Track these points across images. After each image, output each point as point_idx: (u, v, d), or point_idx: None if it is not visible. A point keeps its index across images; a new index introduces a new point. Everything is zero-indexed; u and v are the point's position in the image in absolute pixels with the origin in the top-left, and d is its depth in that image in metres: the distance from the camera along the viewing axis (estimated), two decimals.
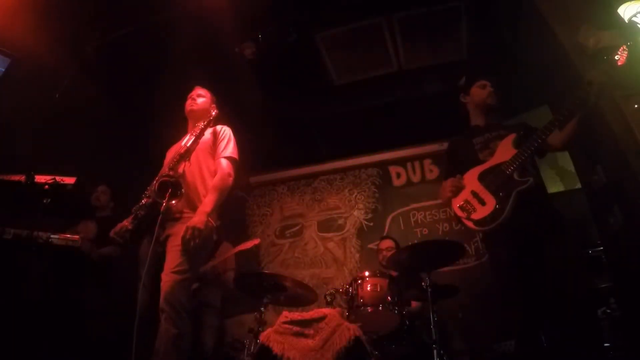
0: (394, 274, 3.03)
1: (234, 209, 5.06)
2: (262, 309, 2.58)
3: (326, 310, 2.47)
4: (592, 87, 2.16)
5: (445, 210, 4.43)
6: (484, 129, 2.57)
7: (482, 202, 2.32)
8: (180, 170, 2.40)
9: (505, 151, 2.37)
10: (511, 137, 2.39)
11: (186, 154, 2.44)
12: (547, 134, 2.26)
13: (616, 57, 2.16)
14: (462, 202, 2.40)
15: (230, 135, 2.67)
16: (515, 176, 2.26)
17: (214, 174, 2.51)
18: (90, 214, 3.72)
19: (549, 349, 2.10)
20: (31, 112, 3.56)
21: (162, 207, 2.22)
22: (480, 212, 2.31)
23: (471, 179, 2.43)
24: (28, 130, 3.55)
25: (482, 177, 2.39)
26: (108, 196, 3.80)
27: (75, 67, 3.68)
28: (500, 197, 2.26)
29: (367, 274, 2.88)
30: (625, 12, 2.52)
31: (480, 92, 2.62)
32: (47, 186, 2.98)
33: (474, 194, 2.37)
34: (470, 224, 2.36)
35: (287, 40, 3.89)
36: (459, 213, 2.41)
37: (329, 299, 3.00)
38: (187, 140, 2.56)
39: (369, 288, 2.80)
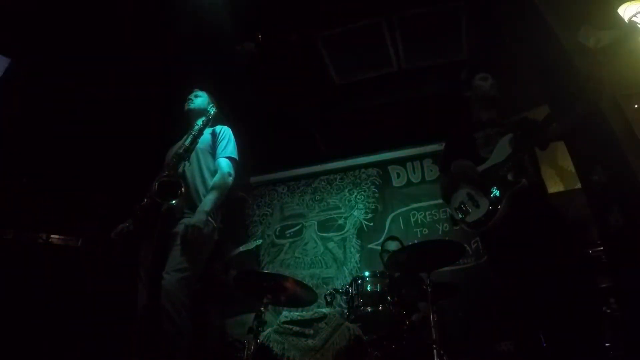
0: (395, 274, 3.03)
1: (234, 209, 5.06)
2: (262, 309, 2.58)
3: (326, 310, 2.48)
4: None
5: (445, 210, 4.42)
6: (485, 124, 2.57)
7: (477, 205, 2.33)
8: (180, 170, 2.41)
9: (501, 151, 2.37)
10: (508, 137, 2.40)
11: (185, 154, 2.45)
12: (539, 138, 2.28)
13: None
14: (458, 204, 2.42)
15: (230, 136, 2.67)
16: (509, 177, 2.27)
17: (214, 173, 2.51)
18: (91, 214, 3.72)
19: (548, 349, 2.10)
20: (31, 113, 3.57)
21: (163, 207, 2.22)
22: (474, 214, 2.33)
23: None
24: (28, 130, 3.55)
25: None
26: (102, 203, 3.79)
27: (75, 67, 3.68)
28: (493, 199, 2.27)
29: (367, 274, 2.88)
30: (625, 12, 2.51)
31: (482, 85, 2.61)
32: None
33: (470, 196, 2.38)
34: (465, 226, 2.38)
35: (287, 40, 3.89)
36: (455, 215, 2.43)
37: (329, 299, 3.00)
38: (186, 140, 2.56)
39: (369, 288, 2.80)
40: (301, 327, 2.35)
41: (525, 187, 2.22)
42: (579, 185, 3.43)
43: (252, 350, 2.41)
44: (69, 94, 3.74)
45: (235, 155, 2.60)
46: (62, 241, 3.00)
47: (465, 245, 3.49)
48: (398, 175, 4.96)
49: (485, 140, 2.50)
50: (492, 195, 2.28)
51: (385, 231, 4.64)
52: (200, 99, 2.80)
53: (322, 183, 5.17)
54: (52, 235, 2.96)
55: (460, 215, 2.40)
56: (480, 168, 2.40)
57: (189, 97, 2.82)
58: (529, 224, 2.20)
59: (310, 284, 3.52)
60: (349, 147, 5.12)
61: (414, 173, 4.92)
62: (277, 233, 5.01)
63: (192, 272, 2.24)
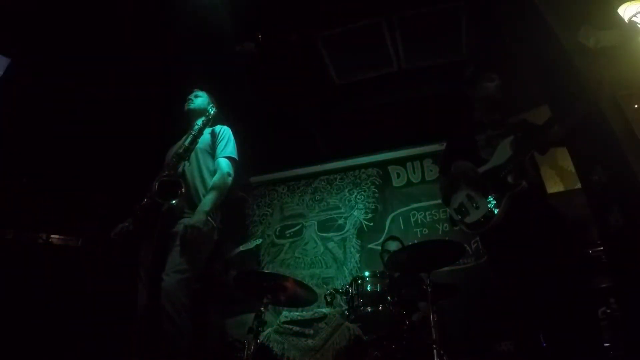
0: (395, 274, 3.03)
1: (234, 209, 5.06)
2: (262, 309, 2.58)
3: (326, 310, 2.48)
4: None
5: (445, 210, 4.42)
6: (487, 125, 2.57)
7: (476, 206, 2.34)
8: (180, 170, 2.41)
9: (502, 153, 2.38)
10: (509, 139, 2.40)
11: (185, 154, 2.45)
12: (543, 136, 2.29)
13: None
14: (457, 205, 2.42)
15: (229, 135, 2.67)
16: (509, 179, 2.27)
17: (214, 173, 2.51)
18: (91, 214, 3.72)
19: (548, 349, 2.10)
20: (31, 113, 3.57)
21: (162, 207, 2.22)
22: (474, 216, 2.34)
23: None
24: (28, 130, 3.55)
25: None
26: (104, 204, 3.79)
27: (75, 67, 3.68)
28: (492, 200, 2.27)
29: (367, 274, 2.88)
30: (625, 12, 2.51)
31: (488, 86, 2.60)
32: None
33: (469, 197, 2.38)
34: (464, 227, 2.39)
35: (287, 40, 3.89)
36: (454, 216, 2.44)
37: (329, 299, 3.00)
38: (186, 139, 2.56)
39: (369, 288, 2.80)
40: (301, 327, 2.36)
41: (524, 190, 2.22)
42: (579, 185, 3.43)
43: (252, 350, 2.41)
44: (69, 94, 3.75)
45: (234, 155, 2.60)
46: (62, 241, 3.00)
47: (465, 245, 3.49)
48: (398, 175, 4.96)
49: (486, 141, 2.50)
50: (492, 197, 2.28)
51: (385, 231, 4.64)
52: (200, 99, 2.81)
53: (322, 183, 5.17)
54: (52, 235, 2.96)
55: (459, 216, 2.41)
56: (481, 169, 2.40)
57: (189, 97, 2.82)
58: (529, 226, 2.20)
59: (310, 284, 3.51)
60: (349, 147, 5.12)
61: (414, 173, 4.92)
62: (277, 233, 5.01)
63: (191, 272, 2.24)
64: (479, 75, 2.64)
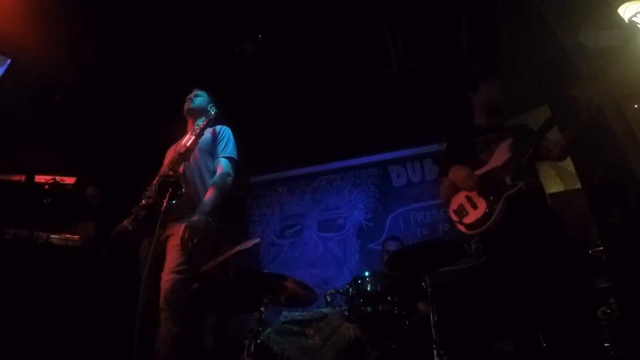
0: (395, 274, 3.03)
1: (234, 209, 5.06)
2: (262, 309, 2.58)
3: (326, 310, 2.48)
4: (580, 103, 2.17)
5: (445, 210, 4.43)
6: (486, 128, 2.57)
7: (475, 207, 2.35)
8: (180, 170, 2.40)
9: (500, 155, 2.38)
10: (508, 141, 2.40)
11: (186, 154, 2.44)
12: (539, 141, 2.30)
13: None
14: (456, 207, 2.43)
15: (229, 135, 2.67)
16: (507, 180, 2.28)
17: (214, 173, 2.51)
18: (90, 214, 3.71)
19: (548, 349, 2.10)
20: (31, 112, 3.57)
21: (162, 207, 2.22)
22: (472, 216, 2.35)
23: None
24: (28, 130, 3.55)
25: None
26: (97, 198, 3.78)
27: (76, 67, 3.68)
28: (490, 202, 2.28)
29: (367, 274, 2.88)
30: (625, 12, 2.51)
31: (489, 90, 2.60)
32: (47, 186, 2.98)
33: (468, 199, 2.39)
34: (462, 228, 2.40)
35: (286, 40, 3.89)
36: (453, 217, 2.45)
37: (329, 299, 3.00)
38: (186, 139, 2.56)
39: (369, 288, 2.80)
40: (301, 327, 2.36)
41: (522, 191, 2.23)
42: (579, 185, 3.43)
43: (252, 350, 2.41)
44: (69, 93, 3.74)
45: (234, 155, 2.59)
46: (62, 241, 2.99)
47: (465, 245, 3.49)
48: (398, 175, 4.97)
49: (485, 144, 2.51)
50: (490, 198, 2.29)
51: (385, 231, 4.64)
52: (200, 99, 2.80)
53: (322, 183, 5.17)
54: (52, 235, 2.95)
55: (458, 217, 2.41)
56: (479, 172, 2.40)
57: (189, 96, 2.82)
58: (528, 227, 2.20)
59: (310, 284, 3.51)
60: (349, 147, 5.12)
61: (414, 173, 4.92)
62: (277, 233, 5.02)
63: (191, 272, 2.24)
64: (481, 79, 2.64)
